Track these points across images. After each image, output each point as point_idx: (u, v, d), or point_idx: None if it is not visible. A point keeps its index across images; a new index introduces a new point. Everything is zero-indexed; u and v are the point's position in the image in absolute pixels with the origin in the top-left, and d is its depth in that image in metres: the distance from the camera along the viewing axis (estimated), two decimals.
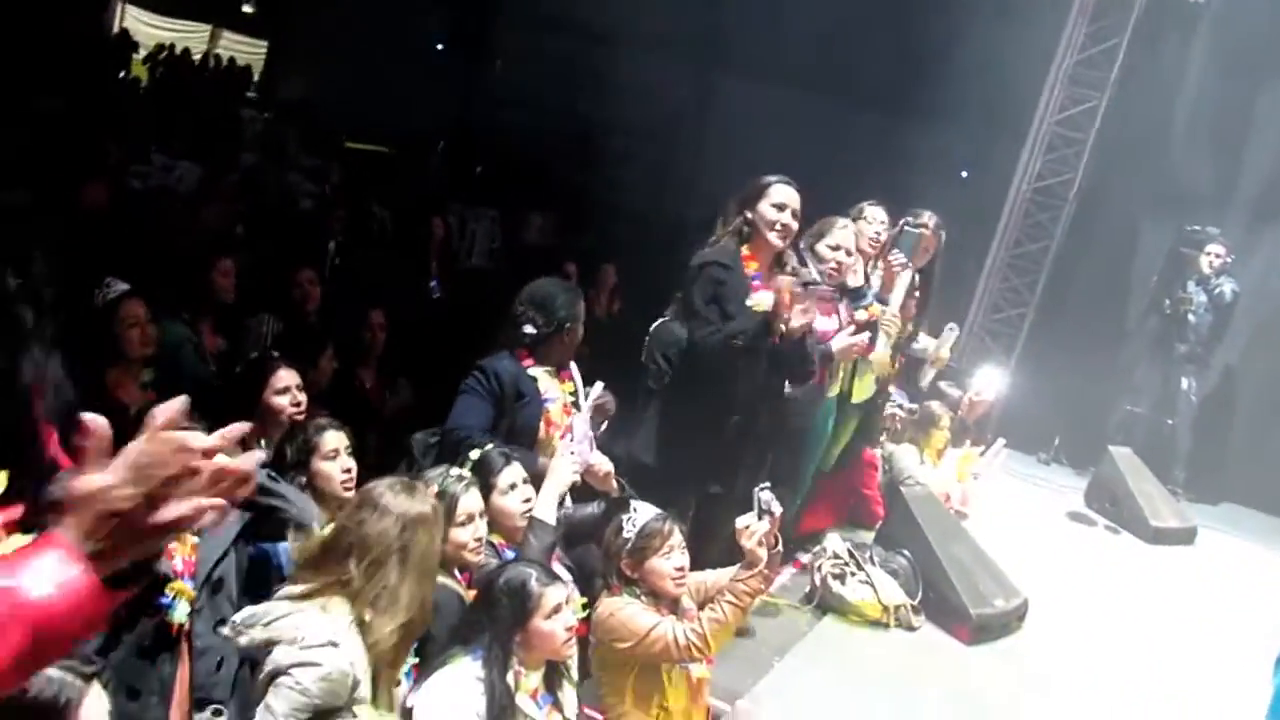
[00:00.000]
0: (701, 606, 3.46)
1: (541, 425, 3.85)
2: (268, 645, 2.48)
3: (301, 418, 3.83)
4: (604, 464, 3.68)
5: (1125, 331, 8.81)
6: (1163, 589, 6.17)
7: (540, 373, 3.91)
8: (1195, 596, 6.06)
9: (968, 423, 6.67)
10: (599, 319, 6.24)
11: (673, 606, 3.49)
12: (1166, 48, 8.74)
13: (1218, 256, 7.92)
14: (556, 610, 2.84)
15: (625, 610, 3.37)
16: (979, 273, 9.12)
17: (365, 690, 2.51)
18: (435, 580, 2.74)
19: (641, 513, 3.48)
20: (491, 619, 2.82)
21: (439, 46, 15.18)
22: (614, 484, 3.69)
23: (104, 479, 1.19)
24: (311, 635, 2.46)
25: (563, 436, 3.83)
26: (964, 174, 11.69)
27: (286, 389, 3.89)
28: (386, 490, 2.67)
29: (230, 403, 3.90)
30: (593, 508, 3.73)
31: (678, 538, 3.45)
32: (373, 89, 13.83)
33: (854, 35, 10.89)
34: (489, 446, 3.49)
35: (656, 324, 4.57)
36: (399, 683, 2.74)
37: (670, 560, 3.42)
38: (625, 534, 3.43)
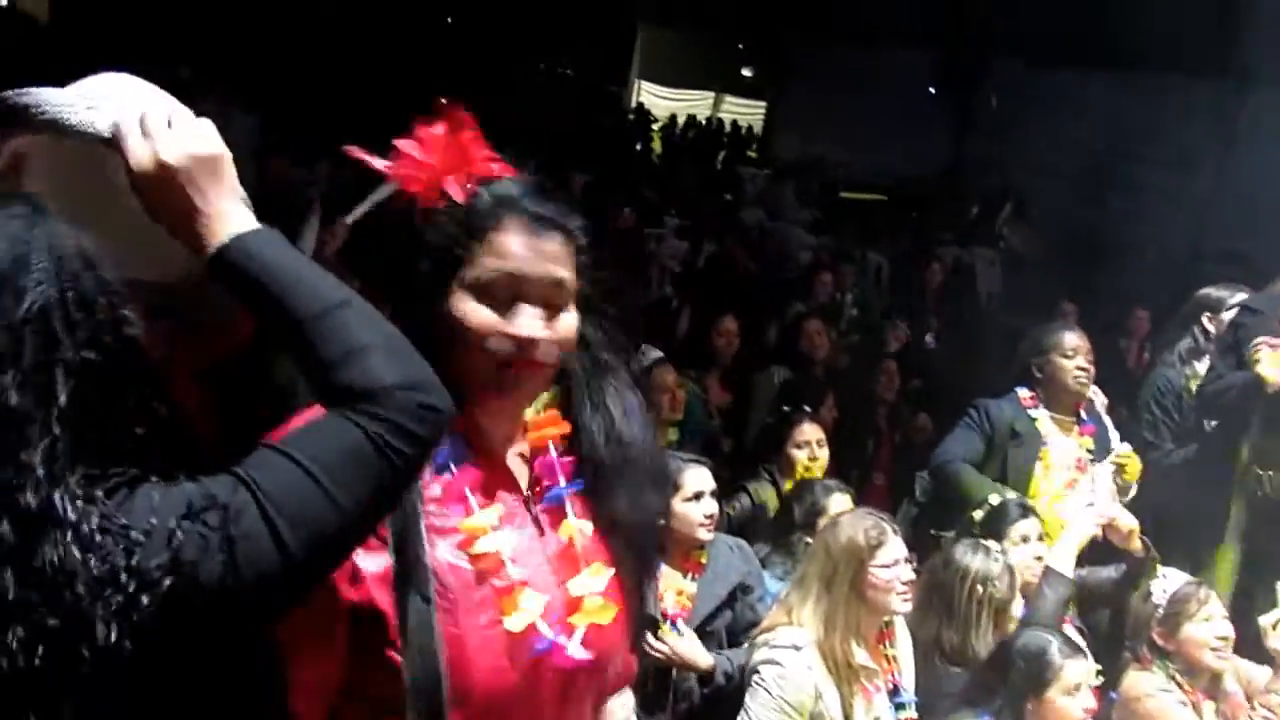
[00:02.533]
0: (1249, 698, 3.17)
1: (1039, 468, 3.76)
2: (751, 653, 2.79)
3: (819, 473, 4.00)
4: (1128, 520, 3.47)
5: None
6: None
7: (1043, 415, 3.82)
8: None
9: None
10: (1129, 369, 5.81)
11: (1212, 687, 3.21)
12: None
13: None
14: (1077, 688, 2.72)
15: (1161, 701, 3.15)
16: None
17: (833, 704, 2.65)
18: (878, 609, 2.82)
19: (1171, 578, 3.29)
20: (1007, 683, 2.75)
21: (930, 90, 15.15)
22: (1138, 543, 3.48)
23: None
24: (779, 639, 2.73)
25: (1068, 486, 3.70)
26: None
27: (806, 443, 4.09)
28: (847, 518, 2.86)
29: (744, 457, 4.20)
30: (1111, 570, 3.55)
31: (1216, 605, 3.21)
32: (866, 139, 14.12)
33: None
34: (1007, 497, 3.46)
35: (1157, 369, 4.43)
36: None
37: (1210, 628, 3.18)
38: (1154, 599, 3.24)
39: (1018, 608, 3.20)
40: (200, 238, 1.15)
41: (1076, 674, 2.74)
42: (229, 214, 1.16)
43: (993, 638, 3.05)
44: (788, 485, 4.03)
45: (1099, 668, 3.21)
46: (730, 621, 3.21)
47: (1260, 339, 3.77)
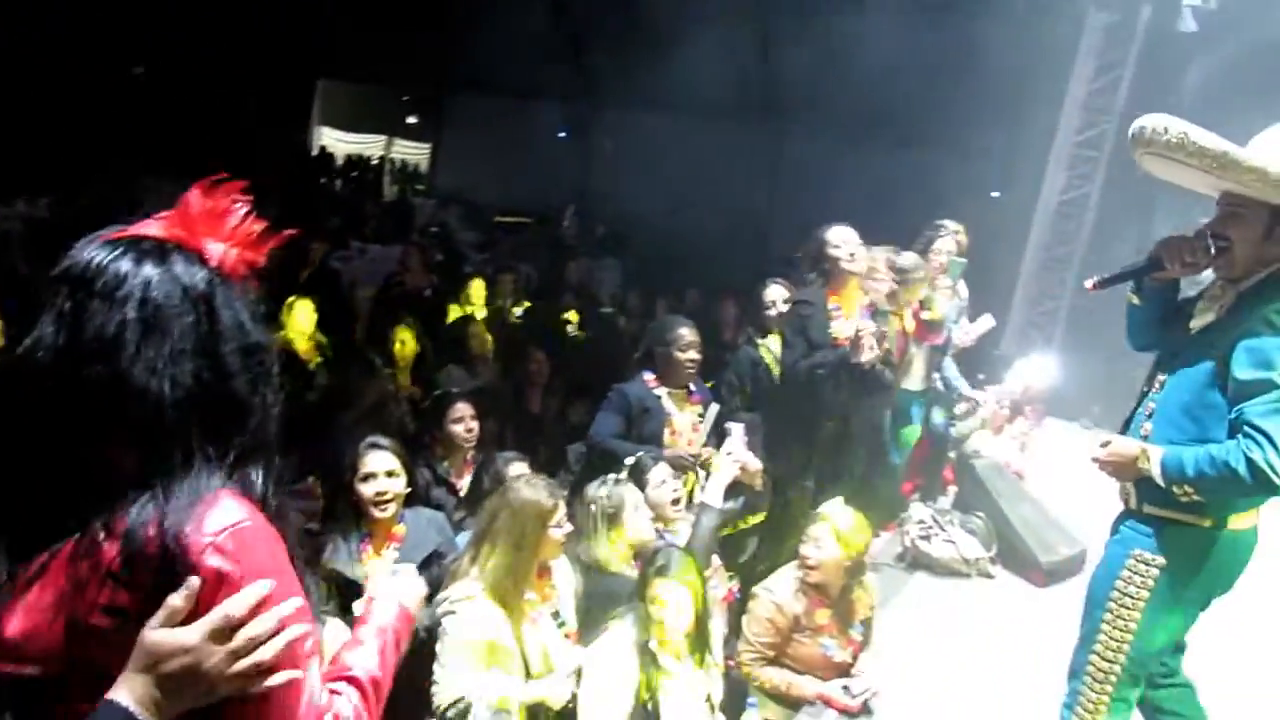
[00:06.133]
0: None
1: (666, 434, 3.84)
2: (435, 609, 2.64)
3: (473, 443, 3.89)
4: (755, 463, 3.61)
5: None
6: None
7: (663, 392, 3.90)
8: None
9: (1023, 402, 6.42)
10: (726, 343, 6.06)
11: (837, 596, 3.40)
12: (1164, 72, 8.29)
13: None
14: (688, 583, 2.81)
15: (760, 598, 3.36)
16: (1018, 275, 8.79)
17: (507, 636, 2.60)
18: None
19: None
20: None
21: (561, 134, 15.39)
22: (759, 481, 3.63)
23: (188, 637, 1.02)
24: (454, 593, 2.62)
25: (689, 445, 3.81)
26: (995, 194, 11.28)
27: (460, 419, 3.95)
28: (525, 484, 2.79)
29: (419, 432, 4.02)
30: (736, 502, 3.66)
31: (822, 530, 3.37)
32: (514, 173, 14.16)
33: (893, 86, 10.65)
34: (641, 452, 3.50)
35: (741, 347, 4.66)
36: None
37: (812, 548, 3.36)
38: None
39: (647, 530, 3.25)
40: None
41: (684, 573, 2.80)
42: None
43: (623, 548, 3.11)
44: (444, 460, 3.93)
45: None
46: (426, 583, 3.05)
47: (863, 328, 4.01)
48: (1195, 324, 2.42)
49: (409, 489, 3.09)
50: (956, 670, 3.89)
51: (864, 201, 4.91)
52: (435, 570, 3.05)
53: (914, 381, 5.16)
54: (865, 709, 3.23)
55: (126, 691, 1.01)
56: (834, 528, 3.28)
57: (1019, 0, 8.82)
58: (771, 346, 4.52)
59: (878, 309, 4.39)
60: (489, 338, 5.73)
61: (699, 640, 2.84)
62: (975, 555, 4.88)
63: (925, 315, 4.87)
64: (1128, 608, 2.42)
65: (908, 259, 4.66)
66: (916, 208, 5.30)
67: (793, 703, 3.28)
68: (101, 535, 1.06)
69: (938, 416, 5.50)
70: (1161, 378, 2.45)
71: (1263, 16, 7.43)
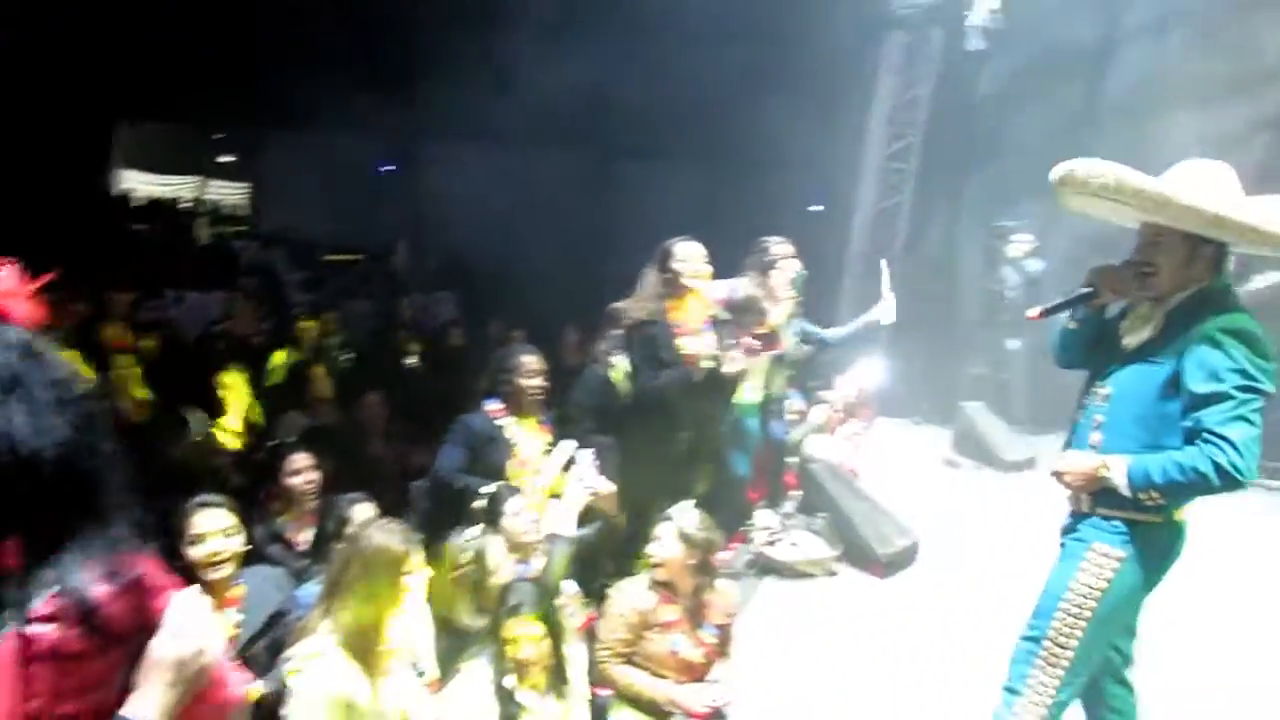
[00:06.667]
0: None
1: (512, 464, 3.81)
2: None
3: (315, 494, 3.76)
4: (606, 486, 3.60)
5: (961, 313, 8.98)
6: (1018, 507, 6.31)
7: (509, 422, 3.88)
8: (1038, 509, 6.12)
9: (856, 404, 6.74)
10: (568, 368, 6.07)
11: (691, 598, 3.43)
12: (959, 87, 8.96)
13: (1024, 242, 8.11)
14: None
15: (613, 598, 3.37)
16: (841, 283, 9.24)
17: (362, 691, 2.51)
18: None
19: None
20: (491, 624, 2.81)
21: (386, 168, 15.08)
22: (614, 505, 3.64)
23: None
24: (303, 650, 2.51)
25: (537, 474, 3.81)
26: (815, 208, 11.84)
27: (298, 470, 3.80)
28: (377, 531, 2.68)
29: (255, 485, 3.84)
30: (593, 528, 3.68)
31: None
32: (339, 210, 13.73)
33: (715, 107, 11.04)
34: (496, 485, 3.47)
35: (589, 367, 4.68)
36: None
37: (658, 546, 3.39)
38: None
39: (507, 570, 3.22)
40: None
41: (537, 609, 2.80)
42: None
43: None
44: (282, 515, 3.77)
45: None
46: (271, 644, 2.91)
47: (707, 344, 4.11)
48: (1130, 341, 2.67)
49: (248, 546, 2.96)
50: (807, 669, 4.04)
51: (693, 220, 5.03)
52: (280, 630, 2.92)
53: (752, 392, 5.33)
54: (718, 715, 3.30)
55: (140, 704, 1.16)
56: (677, 526, 3.34)
57: (827, 21, 9.32)
58: (623, 366, 4.56)
59: (718, 320, 4.50)
60: (328, 380, 5.54)
61: (558, 672, 2.84)
62: (820, 555, 5.09)
63: (761, 329, 5.01)
64: (1084, 596, 2.61)
65: (747, 295, 4.79)
66: (743, 223, 5.50)
67: (649, 708, 3.29)
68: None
69: (776, 424, 5.70)
70: (1105, 391, 2.67)
71: (1038, 32, 8.21)
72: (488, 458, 3.76)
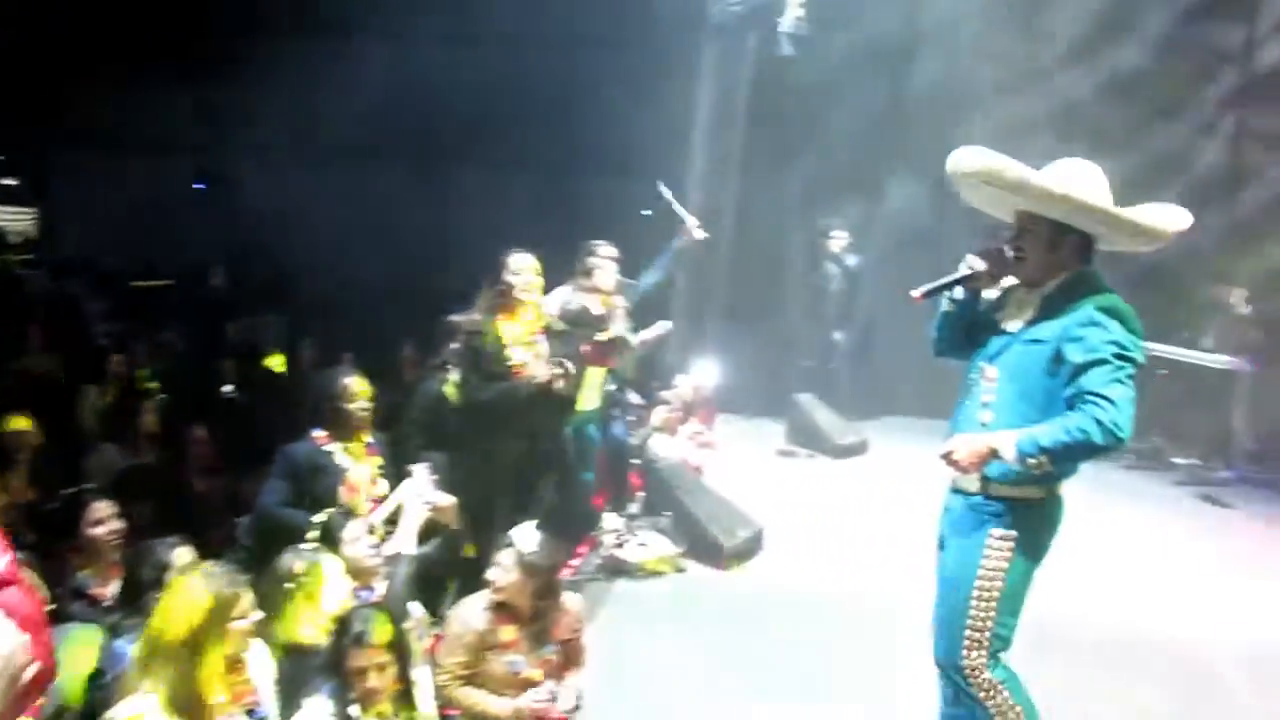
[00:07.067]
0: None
1: (342, 491, 3.68)
2: None
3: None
4: (445, 499, 3.53)
5: (786, 309, 9.30)
6: (853, 488, 6.65)
7: (336, 448, 3.75)
8: (872, 490, 6.54)
9: (695, 403, 6.89)
10: (408, 384, 5.90)
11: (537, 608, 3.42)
12: (772, 89, 9.28)
13: (841, 238, 8.51)
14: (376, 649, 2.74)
15: (450, 617, 3.32)
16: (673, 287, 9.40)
17: None
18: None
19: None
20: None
21: (197, 186, 14.22)
22: (454, 518, 3.56)
23: None
24: (120, 713, 2.32)
25: (369, 500, 3.69)
26: (646, 213, 11.98)
27: (100, 520, 3.53)
28: (199, 579, 2.49)
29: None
30: (434, 544, 3.58)
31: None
32: (146, 232, 12.84)
33: (543, 116, 11.03)
34: (330, 511, 3.34)
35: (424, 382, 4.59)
36: None
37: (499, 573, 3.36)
38: None
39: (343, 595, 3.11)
40: None
41: (382, 635, 2.74)
42: None
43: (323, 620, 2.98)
44: (86, 568, 3.53)
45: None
46: (88, 708, 2.70)
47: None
48: (1010, 325, 2.84)
49: (51, 606, 2.73)
50: (664, 667, 4.09)
51: (530, 228, 5.00)
52: (97, 693, 2.71)
53: (590, 400, 5.35)
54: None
55: None
56: (517, 551, 3.32)
57: (652, 25, 9.49)
58: (456, 379, 4.49)
59: (554, 331, 4.50)
60: (154, 415, 5.19)
61: (404, 696, 2.77)
62: (668, 553, 5.17)
63: (599, 337, 5.05)
64: (991, 580, 2.75)
65: (581, 305, 4.79)
66: (580, 229, 5.51)
67: None
68: None
69: (616, 428, 5.76)
70: (991, 373, 2.82)
71: (843, 35, 8.66)
72: (317, 487, 3.62)
